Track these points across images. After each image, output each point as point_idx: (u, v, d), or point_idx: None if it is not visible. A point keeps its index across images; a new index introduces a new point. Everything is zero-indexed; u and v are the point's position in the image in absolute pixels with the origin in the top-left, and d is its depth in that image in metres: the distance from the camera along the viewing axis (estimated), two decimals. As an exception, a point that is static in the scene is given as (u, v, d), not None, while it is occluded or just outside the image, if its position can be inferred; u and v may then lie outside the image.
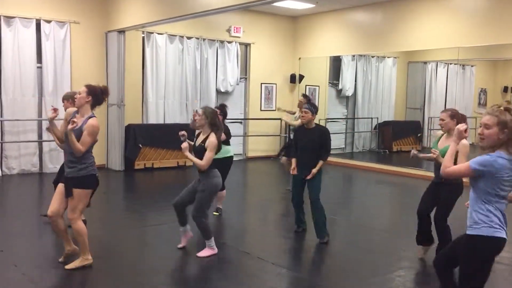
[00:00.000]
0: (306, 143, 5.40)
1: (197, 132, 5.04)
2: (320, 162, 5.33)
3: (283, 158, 8.22)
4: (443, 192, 4.74)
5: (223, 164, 5.93)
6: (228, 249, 5.23)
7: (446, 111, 4.75)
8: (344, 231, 6.11)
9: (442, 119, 4.68)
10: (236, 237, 5.81)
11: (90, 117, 4.31)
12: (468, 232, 2.93)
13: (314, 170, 5.30)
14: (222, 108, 6.41)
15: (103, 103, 4.52)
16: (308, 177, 5.32)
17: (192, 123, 5.35)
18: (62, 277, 4.42)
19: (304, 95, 8.67)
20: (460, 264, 3.01)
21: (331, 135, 5.55)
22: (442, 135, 4.83)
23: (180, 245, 5.09)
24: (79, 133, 4.22)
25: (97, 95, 4.37)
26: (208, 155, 4.66)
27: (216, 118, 4.81)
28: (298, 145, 5.51)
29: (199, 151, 4.75)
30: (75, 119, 4.14)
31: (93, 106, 4.38)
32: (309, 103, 5.70)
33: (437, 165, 4.69)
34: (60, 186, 4.48)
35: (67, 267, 4.38)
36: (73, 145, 4.14)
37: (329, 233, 5.49)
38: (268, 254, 5.04)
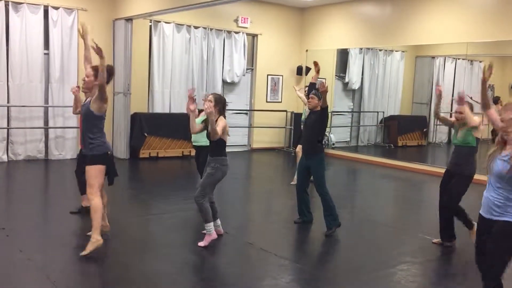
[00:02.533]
0: (307, 125, 5.58)
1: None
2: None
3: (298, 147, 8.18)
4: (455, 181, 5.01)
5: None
6: (231, 240, 5.25)
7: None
8: (347, 225, 6.11)
9: (460, 112, 4.87)
10: (239, 228, 5.83)
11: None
12: (506, 219, 3.13)
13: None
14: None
15: (110, 82, 4.69)
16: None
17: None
18: (68, 263, 4.46)
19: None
20: (494, 249, 3.18)
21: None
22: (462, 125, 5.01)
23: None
24: (87, 109, 4.50)
25: (97, 74, 4.49)
26: (216, 128, 4.66)
27: (224, 103, 4.87)
28: (303, 134, 5.68)
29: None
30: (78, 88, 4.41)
31: None
32: (316, 89, 5.63)
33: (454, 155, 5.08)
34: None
35: (82, 254, 4.39)
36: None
37: (335, 226, 5.52)
38: (271, 245, 5.05)
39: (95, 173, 4.50)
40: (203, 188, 4.82)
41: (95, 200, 4.43)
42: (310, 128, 5.55)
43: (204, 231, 4.88)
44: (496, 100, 9.92)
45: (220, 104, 4.79)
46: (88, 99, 4.60)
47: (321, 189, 5.46)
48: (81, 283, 4.05)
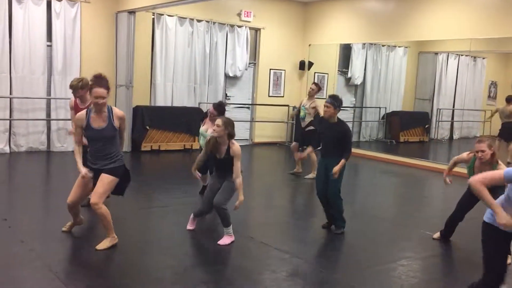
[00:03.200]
0: (329, 138, 5.41)
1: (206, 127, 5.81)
2: (342, 161, 5.29)
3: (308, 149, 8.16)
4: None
5: None
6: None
7: (483, 142, 4.67)
8: (348, 220, 6.10)
9: (482, 150, 4.61)
10: (240, 222, 5.82)
11: (110, 109, 4.38)
12: None
13: (336, 169, 5.23)
14: (222, 107, 6.33)
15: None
16: (334, 177, 5.28)
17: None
18: (69, 253, 4.49)
19: (316, 84, 8.56)
20: None
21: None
22: (475, 160, 4.79)
23: (190, 228, 5.20)
24: (112, 129, 4.35)
25: (109, 86, 4.38)
26: (238, 165, 4.76)
27: (233, 128, 4.84)
28: (321, 138, 5.53)
29: (225, 161, 4.83)
30: None
31: None
32: (331, 97, 5.39)
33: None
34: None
35: (97, 247, 4.41)
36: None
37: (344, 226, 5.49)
38: (272, 239, 5.07)
39: (112, 183, 4.41)
40: (227, 194, 4.86)
41: (101, 209, 4.36)
42: (331, 138, 5.39)
43: (228, 234, 4.89)
44: (509, 99, 9.77)
45: (230, 127, 4.77)
46: (104, 124, 4.33)
47: (337, 192, 5.40)
48: (83, 275, 4.06)
